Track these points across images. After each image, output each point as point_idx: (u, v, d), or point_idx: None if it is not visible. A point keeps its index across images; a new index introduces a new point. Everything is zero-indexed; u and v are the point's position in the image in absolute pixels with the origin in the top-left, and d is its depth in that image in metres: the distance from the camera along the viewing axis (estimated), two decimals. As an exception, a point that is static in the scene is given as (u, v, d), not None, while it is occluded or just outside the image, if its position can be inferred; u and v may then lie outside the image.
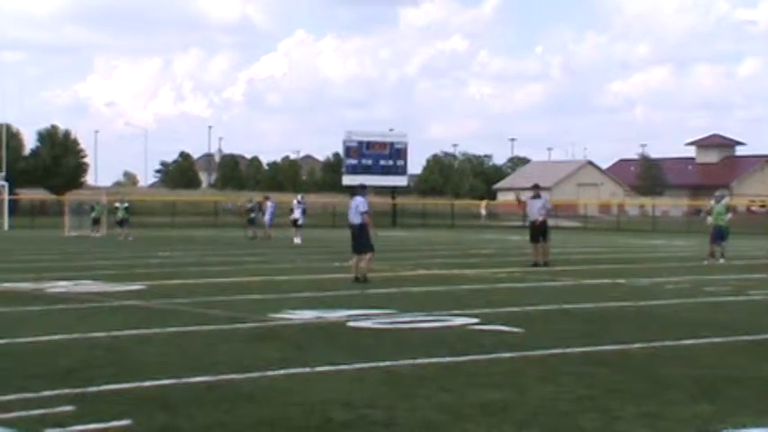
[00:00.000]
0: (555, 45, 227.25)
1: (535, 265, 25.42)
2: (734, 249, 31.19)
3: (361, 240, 20.44)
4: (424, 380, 9.20)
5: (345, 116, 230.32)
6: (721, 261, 27.35)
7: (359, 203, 20.69)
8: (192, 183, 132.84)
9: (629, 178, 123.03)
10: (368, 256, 20.44)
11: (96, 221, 51.39)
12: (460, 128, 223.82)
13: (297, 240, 41.55)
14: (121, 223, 47.16)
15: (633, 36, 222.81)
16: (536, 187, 27.34)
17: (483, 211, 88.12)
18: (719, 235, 28.19)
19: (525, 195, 27.86)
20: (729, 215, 28.87)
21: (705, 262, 27.62)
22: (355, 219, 20.65)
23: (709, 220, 28.76)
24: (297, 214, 43.55)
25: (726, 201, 30.00)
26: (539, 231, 26.13)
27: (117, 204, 49.13)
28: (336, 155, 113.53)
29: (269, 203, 47.17)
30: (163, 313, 14.64)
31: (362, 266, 20.41)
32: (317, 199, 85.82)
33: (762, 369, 9.97)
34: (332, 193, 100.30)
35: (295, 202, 44.84)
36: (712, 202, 29.43)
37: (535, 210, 26.24)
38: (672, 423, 7.54)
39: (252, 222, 47.70)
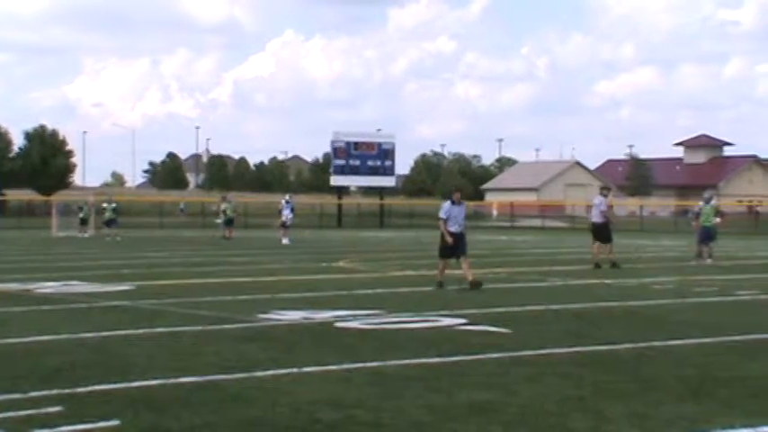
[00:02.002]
0: (541, 46, 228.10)
1: (614, 265, 25.21)
2: (722, 250, 31.27)
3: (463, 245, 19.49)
4: (411, 380, 9.19)
5: (333, 117, 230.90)
6: (708, 261, 27.39)
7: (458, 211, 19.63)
8: (180, 183, 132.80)
9: (617, 178, 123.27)
10: (463, 262, 19.40)
11: (84, 222, 51.28)
12: (447, 128, 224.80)
13: (285, 241, 41.37)
14: (109, 223, 47.00)
15: (618, 37, 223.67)
16: (606, 188, 27.36)
17: (494, 212, 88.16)
18: (708, 235, 28.25)
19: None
20: (718, 219, 28.84)
21: (693, 262, 27.68)
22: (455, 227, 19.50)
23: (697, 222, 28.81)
24: (285, 214, 43.17)
25: (714, 202, 30.01)
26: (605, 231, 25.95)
27: (105, 205, 48.96)
28: (325, 155, 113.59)
29: (224, 204, 47.20)
30: (150, 314, 14.61)
31: (466, 270, 19.31)
32: (305, 200, 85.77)
33: (749, 369, 9.99)
34: (320, 193, 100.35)
35: (283, 202, 44.37)
36: (701, 203, 29.41)
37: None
38: (660, 423, 7.55)
39: (230, 222, 47.57)
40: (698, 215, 28.91)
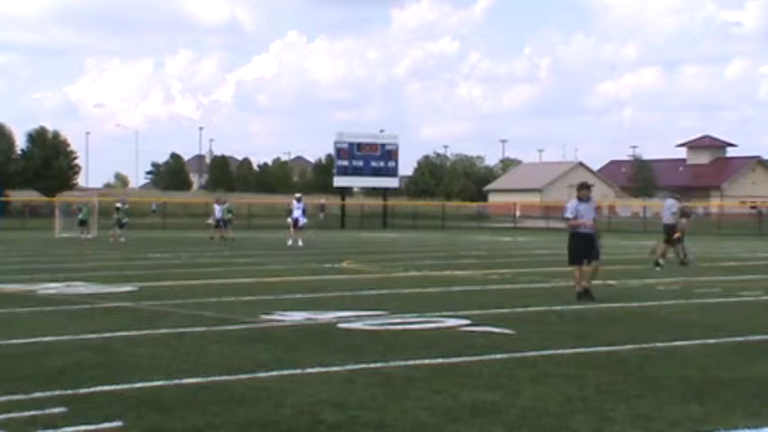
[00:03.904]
0: (543, 46, 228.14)
1: (682, 263, 26.90)
2: (725, 251, 31.25)
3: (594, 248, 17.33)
4: (415, 381, 9.19)
5: (335, 117, 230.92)
6: (662, 261, 26.64)
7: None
8: (184, 184, 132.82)
9: (621, 179, 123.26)
10: (594, 264, 17.36)
11: (83, 223, 51.09)
12: (450, 129, 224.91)
13: (299, 242, 40.30)
14: (121, 225, 47.00)
15: (621, 38, 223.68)
16: (669, 189, 28.42)
17: (518, 212, 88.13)
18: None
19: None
20: (684, 220, 28.70)
21: (691, 258, 27.56)
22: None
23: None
24: (297, 214, 41.92)
25: (680, 204, 29.71)
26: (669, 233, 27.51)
27: (118, 205, 48.88)
28: (328, 156, 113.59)
29: (216, 205, 47.28)
30: (154, 315, 14.62)
31: (591, 272, 17.34)
32: (308, 200, 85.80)
33: (753, 370, 9.99)
34: (323, 194, 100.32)
35: (294, 201, 43.03)
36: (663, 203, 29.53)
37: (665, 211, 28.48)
38: (663, 424, 7.54)
39: (227, 223, 47.54)
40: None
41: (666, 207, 28.57)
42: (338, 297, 17.53)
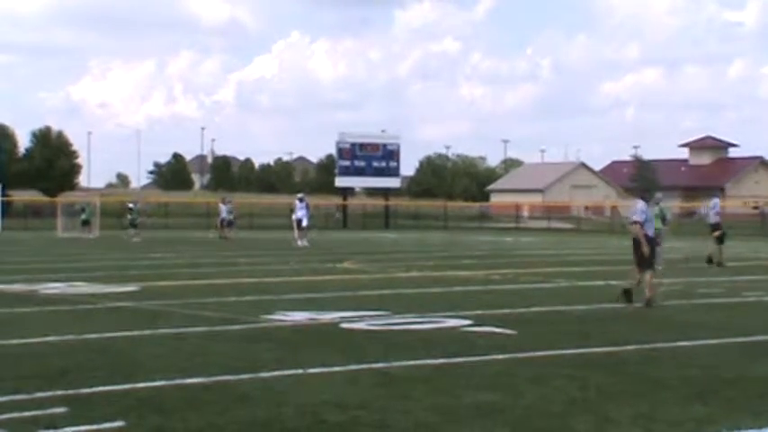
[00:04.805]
0: (545, 46, 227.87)
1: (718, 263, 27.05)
2: (727, 251, 31.19)
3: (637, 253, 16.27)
4: (417, 381, 9.18)
5: (337, 118, 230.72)
6: (658, 267, 26.40)
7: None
8: (185, 184, 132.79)
9: (622, 180, 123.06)
10: (647, 274, 16.11)
11: (86, 223, 51.10)
12: (452, 129, 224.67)
13: (302, 243, 39.92)
14: (134, 225, 47.09)
15: (623, 37, 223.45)
16: (713, 189, 29.36)
17: (526, 213, 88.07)
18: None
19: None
20: (667, 224, 28.57)
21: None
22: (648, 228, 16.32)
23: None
24: (300, 214, 41.45)
25: (661, 205, 29.57)
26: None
27: (131, 205, 48.99)
28: (330, 156, 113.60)
29: (221, 205, 47.38)
30: (156, 315, 14.61)
31: (646, 285, 16.09)
32: (320, 201, 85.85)
33: (756, 370, 9.98)
34: (325, 194, 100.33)
35: (297, 201, 42.62)
36: None
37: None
38: (666, 425, 7.53)
39: (231, 223, 47.50)
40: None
41: (710, 207, 29.15)
42: (340, 297, 17.53)
